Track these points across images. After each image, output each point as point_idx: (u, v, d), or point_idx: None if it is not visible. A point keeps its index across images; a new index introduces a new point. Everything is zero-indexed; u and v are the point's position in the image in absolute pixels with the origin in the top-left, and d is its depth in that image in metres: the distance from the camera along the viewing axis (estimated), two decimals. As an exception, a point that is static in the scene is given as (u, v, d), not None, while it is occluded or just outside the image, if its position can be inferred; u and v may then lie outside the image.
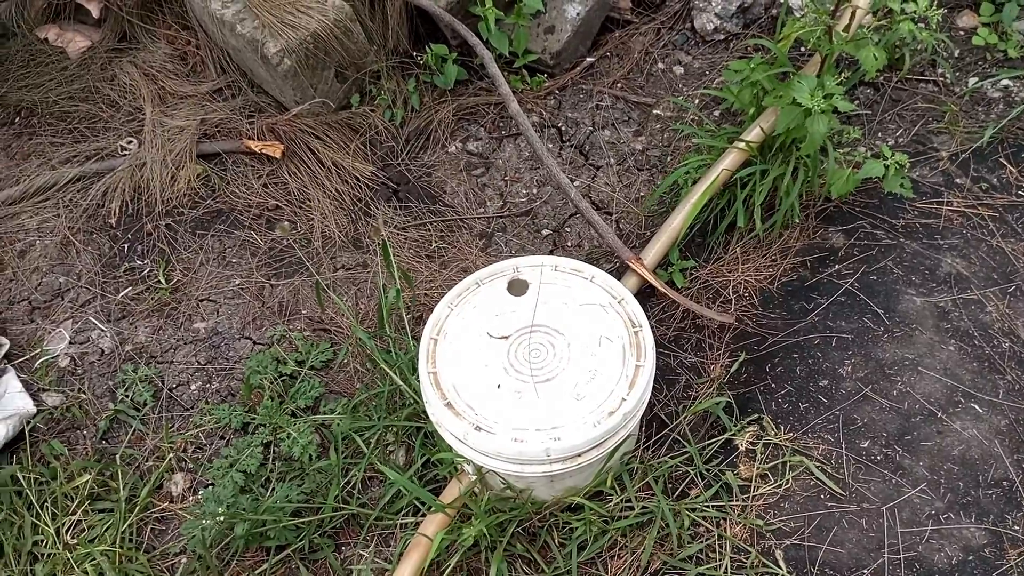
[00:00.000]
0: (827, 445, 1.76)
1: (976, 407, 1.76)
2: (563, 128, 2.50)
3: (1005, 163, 2.17)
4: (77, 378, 2.10)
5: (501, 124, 2.53)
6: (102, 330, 2.18)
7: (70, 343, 2.16)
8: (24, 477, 1.88)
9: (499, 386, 1.59)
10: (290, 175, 2.41)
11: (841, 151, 2.08)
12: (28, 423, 1.99)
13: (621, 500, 1.72)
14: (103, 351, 2.14)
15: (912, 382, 1.81)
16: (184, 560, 1.81)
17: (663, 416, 1.89)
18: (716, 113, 2.46)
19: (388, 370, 1.86)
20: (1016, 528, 1.61)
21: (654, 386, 1.79)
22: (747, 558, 1.65)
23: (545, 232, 2.31)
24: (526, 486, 1.66)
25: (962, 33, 2.47)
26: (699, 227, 2.17)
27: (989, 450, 1.70)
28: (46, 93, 2.66)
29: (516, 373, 1.61)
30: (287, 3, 2.31)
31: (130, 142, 2.53)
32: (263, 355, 2.04)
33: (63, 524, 1.82)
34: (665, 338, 2.02)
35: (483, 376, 1.61)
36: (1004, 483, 1.67)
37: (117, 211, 2.39)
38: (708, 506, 1.72)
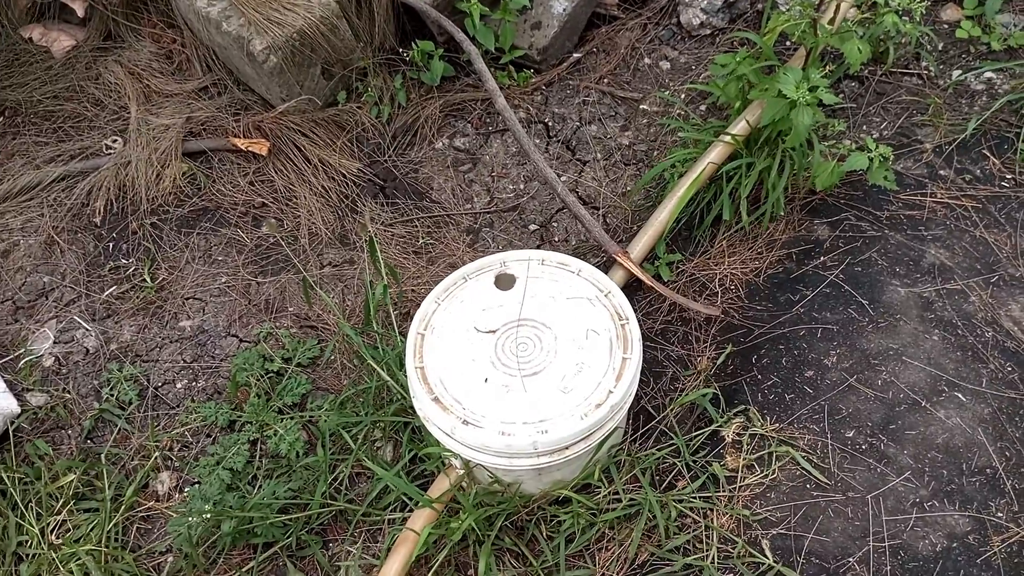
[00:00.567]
0: (813, 435, 1.77)
1: (960, 396, 1.77)
2: (550, 123, 2.50)
3: (988, 155, 2.18)
4: (62, 378, 2.09)
5: (488, 120, 2.53)
6: (87, 329, 2.16)
7: (54, 342, 2.14)
8: (8, 477, 1.87)
9: (486, 380, 1.59)
10: (276, 172, 2.40)
11: (826, 144, 2.09)
12: (12, 423, 1.97)
13: (609, 492, 1.72)
14: (88, 350, 2.13)
15: (896, 372, 1.82)
16: (170, 559, 1.80)
17: (650, 408, 1.89)
18: (702, 107, 2.47)
19: (375, 366, 1.85)
20: (1000, 515, 1.62)
21: (641, 378, 1.80)
22: (734, 548, 1.65)
23: (532, 227, 2.32)
24: (514, 480, 1.66)
25: (946, 26, 2.49)
26: (685, 221, 2.18)
27: (972, 438, 1.72)
28: (30, 92, 2.64)
29: (504, 367, 1.61)
30: (273, 0, 2.30)
31: (115, 141, 2.52)
32: (249, 352, 2.03)
33: (48, 524, 1.81)
34: (652, 331, 2.03)
35: (470, 370, 1.61)
36: (987, 470, 1.68)
37: (102, 210, 2.38)
38: (695, 497, 1.72)
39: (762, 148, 2.04)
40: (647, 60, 2.61)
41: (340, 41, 2.39)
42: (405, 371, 1.71)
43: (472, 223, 2.33)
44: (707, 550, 1.66)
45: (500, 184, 2.41)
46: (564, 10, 2.51)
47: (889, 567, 1.59)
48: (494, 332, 1.65)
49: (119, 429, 1.99)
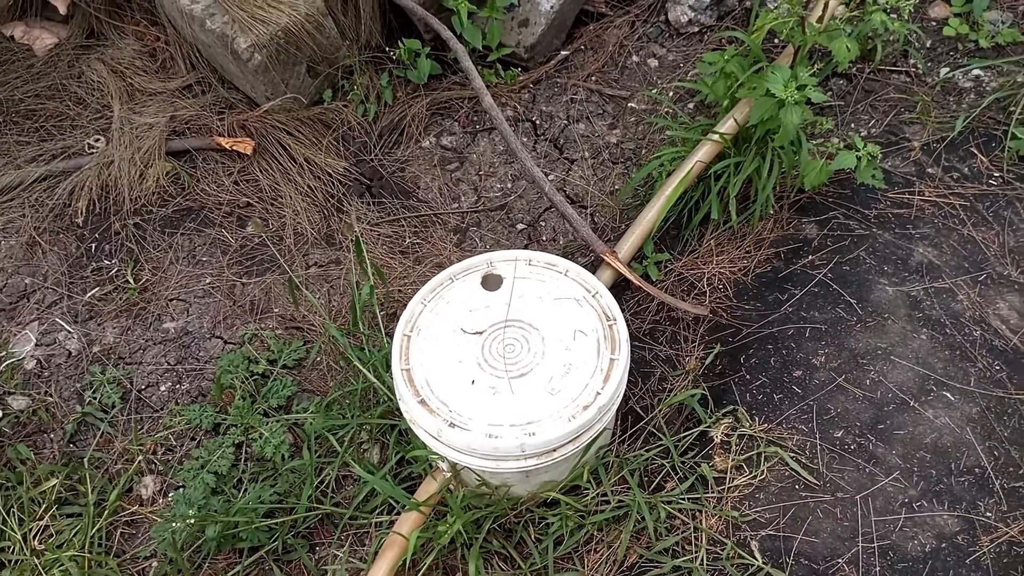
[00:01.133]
0: (801, 435, 1.76)
1: (948, 395, 1.77)
2: (537, 122, 2.48)
3: (976, 152, 2.18)
4: (43, 381, 2.06)
5: (475, 118, 2.51)
6: (69, 331, 2.14)
7: (36, 345, 2.11)
8: (-11, 482, 1.85)
9: (473, 382, 1.58)
10: (261, 172, 2.37)
11: (814, 142, 2.08)
12: (-7, 427, 1.95)
13: (597, 494, 1.71)
14: (70, 353, 2.10)
15: (885, 371, 1.81)
16: (155, 564, 1.77)
17: (638, 409, 1.88)
18: (690, 105, 2.46)
19: (361, 367, 1.83)
20: (988, 515, 1.62)
21: (629, 379, 1.79)
22: (723, 550, 1.64)
23: (520, 226, 2.30)
24: (501, 482, 1.64)
25: (934, 23, 2.49)
26: (673, 220, 2.17)
27: (961, 438, 1.71)
28: (12, 91, 2.61)
29: (490, 368, 1.59)
30: (256, -3, 2.28)
31: (97, 140, 2.49)
32: (234, 354, 2.01)
33: (30, 529, 1.78)
34: (640, 331, 2.02)
35: (457, 372, 1.59)
36: (976, 470, 1.68)
37: (84, 210, 2.34)
38: (684, 498, 1.72)
39: (751, 147, 2.03)
40: (635, 58, 2.59)
41: (326, 39, 2.36)
42: (391, 373, 1.69)
43: (459, 222, 2.31)
44: (696, 552, 1.65)
45: (487, 183, 2.39)
46: (552, 8, 2.49)
47: (878, 568, 1.59)
48: (481, 333, 1.64)
49: (102, 432, 1.97)
